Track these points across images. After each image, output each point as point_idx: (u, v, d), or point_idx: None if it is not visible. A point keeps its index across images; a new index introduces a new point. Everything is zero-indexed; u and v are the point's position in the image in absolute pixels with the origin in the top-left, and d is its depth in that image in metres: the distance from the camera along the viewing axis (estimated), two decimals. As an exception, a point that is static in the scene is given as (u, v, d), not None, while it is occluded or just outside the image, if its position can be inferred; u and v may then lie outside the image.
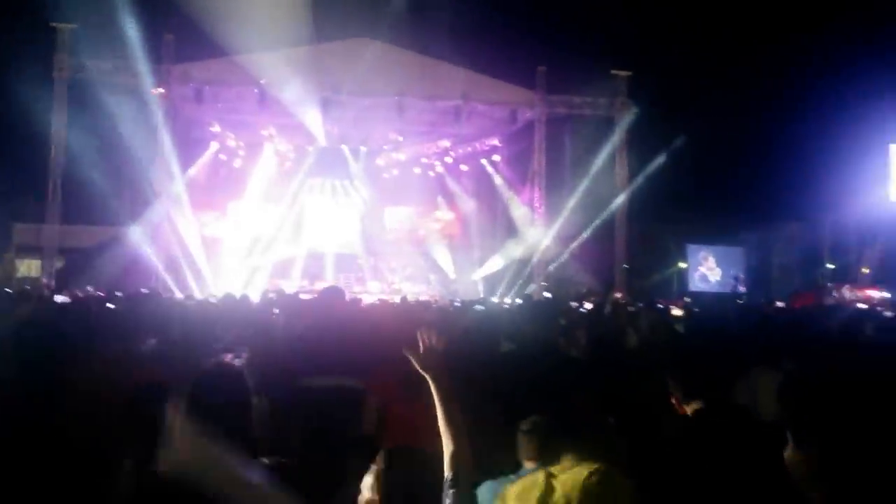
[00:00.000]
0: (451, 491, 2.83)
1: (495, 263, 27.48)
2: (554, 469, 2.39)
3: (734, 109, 29.26)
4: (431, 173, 30.68)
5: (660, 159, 24.84)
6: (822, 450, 3.12)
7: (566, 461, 2.70)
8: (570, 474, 2.31)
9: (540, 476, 2.37)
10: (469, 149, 29.08)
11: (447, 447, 2.97)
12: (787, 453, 3.05)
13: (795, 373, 4.01)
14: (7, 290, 13.35)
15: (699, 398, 3.24)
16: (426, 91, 23.82)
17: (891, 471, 2.99)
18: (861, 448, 3.10)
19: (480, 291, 26.67)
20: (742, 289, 31.75)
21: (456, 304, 14.87)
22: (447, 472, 2.89)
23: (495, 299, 22.07)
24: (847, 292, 25.60)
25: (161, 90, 22.34)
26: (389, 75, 22.82)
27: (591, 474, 2.28)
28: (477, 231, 29.10)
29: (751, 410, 3.37)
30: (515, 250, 26.35)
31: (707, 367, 3.34)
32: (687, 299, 21.38)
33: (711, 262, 34.40)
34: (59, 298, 12.38)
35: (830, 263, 34.23)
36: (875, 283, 27.91)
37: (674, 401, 3.35)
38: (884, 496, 2.94)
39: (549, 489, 2.32)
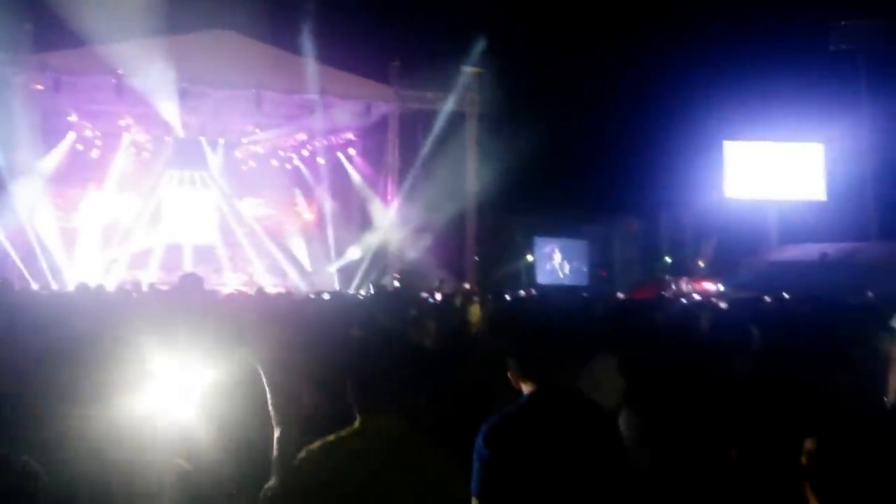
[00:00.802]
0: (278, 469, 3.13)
1: (351, 256, 27.81)
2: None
3: (579, 108, 30.33)
4: (288, 166, 30.80)
5: (508, 154, 25.44)
6: (650, 417, 3.80)
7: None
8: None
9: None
10: (325, 142, 29.20)
11: (275, 432, 3.25)
12: (621, 421, 3.66)
13: (632, 355, 4.41)
14: None
15: (533, 379, 3.30)
16: (283, 84, 23.88)
17: (705, 433, 3.75)
18: (681, 416, 3.84)
19: (336, 283, 26.92)
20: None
21: (310, 295, 15.33)
22: (274, 454, 3.20)
23: (350, 291, 22.49)
24: (684, 285, 26.61)
25: (40, 86, 21.93)
26: (247, 68, 22.77)
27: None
28: (333, 223, 29.26)
29: (584, 392, 3.39)
30: (371, 243, 26.69)
31: (543, 350, 3.36)
32: (533, 291, 22.30)
33: (559, 255, 35.51)
34: None
35: (668, 257, 35.64)
36: (710, 275, 28.79)
37: (510, 377, 3.40)
38: (697, 453, 3.69)
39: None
